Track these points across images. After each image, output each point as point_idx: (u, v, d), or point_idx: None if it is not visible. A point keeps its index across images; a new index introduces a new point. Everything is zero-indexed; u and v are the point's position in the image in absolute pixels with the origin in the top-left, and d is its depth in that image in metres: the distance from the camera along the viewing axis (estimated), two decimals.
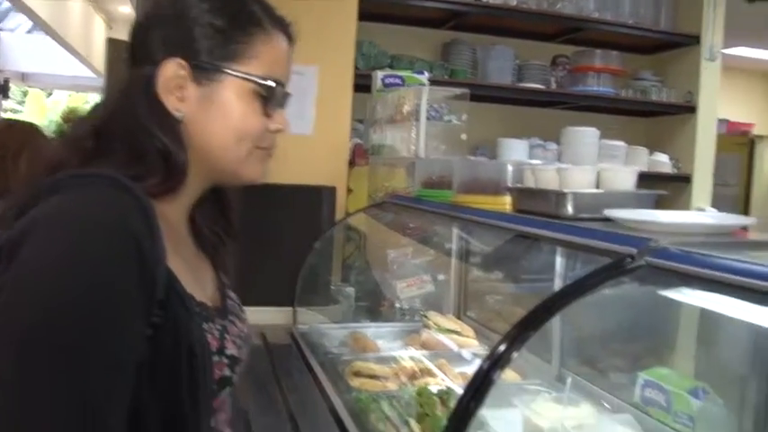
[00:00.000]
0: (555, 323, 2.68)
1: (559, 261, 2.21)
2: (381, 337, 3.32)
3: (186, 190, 1.33)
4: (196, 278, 1.34)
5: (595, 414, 2.25)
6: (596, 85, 5.38)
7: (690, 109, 5.56)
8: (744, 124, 9.12)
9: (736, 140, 8.56)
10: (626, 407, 2.30)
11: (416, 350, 3.06)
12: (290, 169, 4.09)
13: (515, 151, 5.07)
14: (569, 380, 2.43)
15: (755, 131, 9.13)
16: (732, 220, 1.71)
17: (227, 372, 1.29)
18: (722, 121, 7.41)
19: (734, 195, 8.37)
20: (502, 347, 1.47)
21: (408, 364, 2.81)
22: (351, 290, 3.72)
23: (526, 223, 2.08)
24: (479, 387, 1.47)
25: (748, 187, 8.58)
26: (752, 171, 8.68)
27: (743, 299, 1.29)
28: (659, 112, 5.81)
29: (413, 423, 2.23)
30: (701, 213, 2.66)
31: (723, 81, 5.66)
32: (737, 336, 1.81)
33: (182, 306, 1.18)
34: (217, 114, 1.30)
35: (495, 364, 1.47)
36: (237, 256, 1.59)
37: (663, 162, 5.45)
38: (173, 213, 1.33)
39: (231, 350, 1.31)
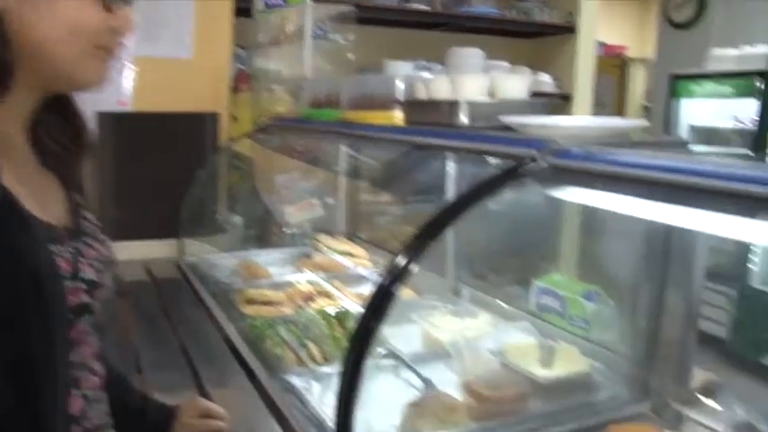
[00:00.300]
0: (450, 236, 2.67)
1: (457, 172, 2.17)
2: (273, 263, 3.25)
3: (17, 97, 1.15)
4: (39, 197, 1.18)
5: (493, 323, 2.26)
6: (481, 6, 5.36)
7: (570, 30, 5.66)
8: (618, 47, 9.39)
9: (611, 62, 8.82)
10: (523, 315, 2.33)
11: (310, 274, 3.00)
12: (169, 96, 3.89)
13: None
14: (466, 292, 2.43)
15: (628, 54, 9.43)
16: (628, 123, 1.71)
17: (84, 298, 1.15)
18: (599, 44, 7.58)
19: (609, 115, 8.66)
20: (402, 259, 1.41)
21: (303, 287, 2.74)
22: (238, 218, 3.60)
23: (421, 133, 2.02)
24: (381, 303, 1.42)
25: (621, 108, 8.90)
26: (625, 92, 9.00)
27: (645, 196, 1.28)
28: (541, 32, 5.89)
29: (311, 346, 2.17)
30: (597, 118, 2.68)
31: (600, 4, 5.77)
32: (633, 237, 1.83)
33: (20, 227, 1.04)
34: (45, 4, 1.12)
35: (396, 277, 1.42)
36: (104, 174, 1.44)
37: (545, 82, 5.54)
38: (2, 124, 1.16)
39: (88, 274, 1.17)
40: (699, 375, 1.89)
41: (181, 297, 2.88)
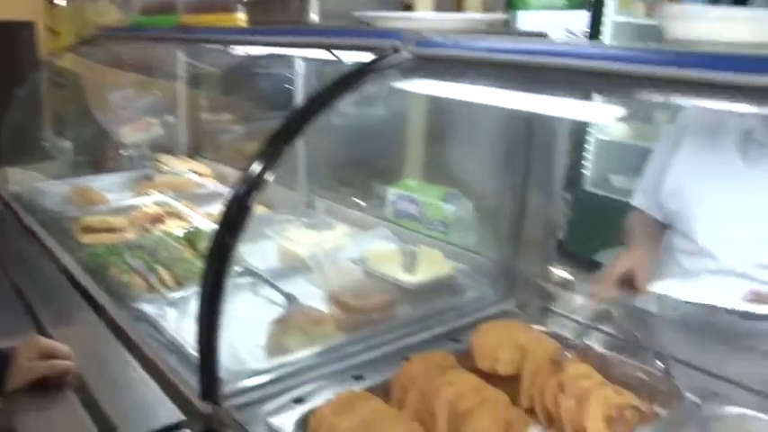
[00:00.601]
0: (302, 146, 2.57)
1: (311, 76, 2.05)
2: (110, 188, 3.00)
3: None
4: None
5: (351, 233, 2.21)
6: None
7: None
8: None
9: None
10: (380, 223, 2.28)
11: (155, 195, 2.80)
12: None
13: None
14: (320, 204, 2.35)
15: None
16: (486, 16, 1.65)
17: None
18: None
19: None
20: (257, 167, 1.30)
21: (148, 210, 2.56)
22: (68, 142, 3.29)
23: (271, 33, 1.87)
24: (236, 217, 1.31)
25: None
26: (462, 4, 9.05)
27: (509, 82, 1.24)
28: None
29: (161, 270, 2.03)
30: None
31: None
32: (494, 135, 1.81)
33: None
34: None
35: (251, 188, 1.31)
36: None
37: None
38: None
39: None
40: (557, 272, 1.93)
41: (7, 230, 2.61)
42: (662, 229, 2.04)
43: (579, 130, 5.35)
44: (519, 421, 1.40)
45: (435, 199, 2.15)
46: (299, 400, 1.39)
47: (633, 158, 2.10)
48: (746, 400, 1.42)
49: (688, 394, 1.42)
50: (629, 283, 1.78)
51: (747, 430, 1.37)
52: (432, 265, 1.90)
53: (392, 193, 2.28)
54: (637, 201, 2.08)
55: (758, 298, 1.64)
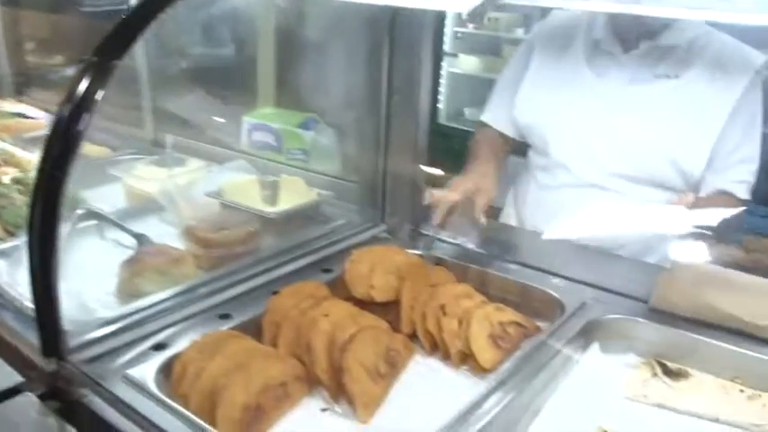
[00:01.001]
0: (144, 82, 2.35)
1: None
2: None
3: None
4: None
5: (206, 167, 2.04)
6: None
7: None
8: None
9: None
10: (236, 155, 2.12)
11: None
12: None
13: None
14: (170, 140, 2.16)
15: None
16: None
17: None
18: None
19: None
20: (84, 83, 1.10)
21: None
22: None
23: None
24: (64, 144, 1.10)
25: None
26: None
27: None
28: None
29: None
30: None
31: None
32: (353, 53, 1.69)
33: None
34: None
35: (79, 108, 1.10)
36: None
37: None
38: None
39: None
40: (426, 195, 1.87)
41: None
42: (509, 145, 2.02)
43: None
44: (402, 348, 1.33)
45: (293, 126, 2.02)
46: (159, 347, 1.25)
47: (485, 91, 2.06)
48: (624, 307, 1.42)
49: (569, 305, 1.40)
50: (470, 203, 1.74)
51: (628, 334, 1.37)
52: (294, 194, 1.78)
53: (247, 122, 2.12)
54: (485, 117, 2.05)
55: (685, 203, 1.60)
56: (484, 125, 2.05)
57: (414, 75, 1.67)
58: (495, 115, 2.01)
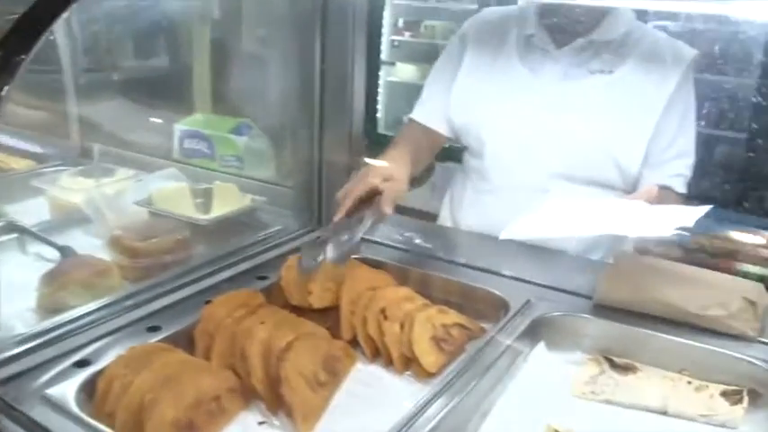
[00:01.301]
0: (71, 90, 2.26)
1: None
2: None
3: None
4: None
5: (135, 177, 1.95)
6: None
7: None
8: None
9: None
10: (169, 164, 2.03)
11: None
12: None
13: None
14: (98, 150, 2.06)
15: None
16: None
17: None
18: None
19: None
20: None
21: None
22: None
23: None
24: None
25: None
26: None
27: None
28: None
29: None
30: None
31: None
32: (284, 56, 1.64)
33: None
34: None
35: None
36: None
37: None
38: None
39: None
40: None
41: None
42: (439, 144, 1.94)
43: (369, 74, 5.31)
44: (342, 355, 1.27)
45: (225, 132, 1.94)
46: (82, 363, 1.16)
47: None
48: (570, 304, 1.39)
49: (513, 304, 1.36)
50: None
51: (574, 330, 1.34)
52: (227, 201, 1.71)
53: (178, 130, 2.04)
54: (416, 114, 1.94)
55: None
56: (413, 122, 1.95)
57: (346, 76, 1.63)
58: (428, 112, 1.92)
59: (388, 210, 1.48)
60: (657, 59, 1.71)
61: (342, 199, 1.50)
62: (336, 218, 1.47)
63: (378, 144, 5.56)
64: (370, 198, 1.50)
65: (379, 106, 5.45)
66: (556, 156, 1.74)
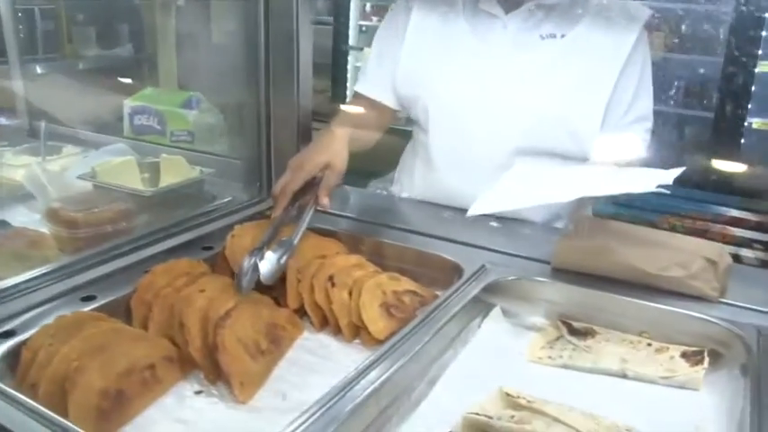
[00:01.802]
0: (16, 70, 2.18)
1: None
2: None
3: None
4: None
5: (82, 153, 1.88)
6: None
7: None
8: None
9: None
10: (118, 141, 1.96)
11: None
12: None
13: None
14: (44, 127, 1.98)
15: None
16: None
17: None
18: None
19: None
20: None
21: None
22: None
23: None
24: None
25: None
26: None
27: None
28: None
29: None
30: None
31: None
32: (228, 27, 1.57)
33: None
34: None
35: None
36: None
37: None
38: None
39: None
40: None
41: None
42: (386, 117, 1.83)
43: (338, 60, 5.26)
44: (287, 324, 1.21)
45: (176, 106, 1.87)
46: (7, 334, 1.09)
47: None
48: (528, 269, 1.34)
49: (468, 269, 1.31)
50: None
51: (531, 295, 1.30)
52: (175, 173, 1.64)
53: (128, 106, 1.96)
54: (360, 87, 1.82)
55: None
56: (358, 96, 1.83)
57: (292, 47, 1.56)
58: (372, 83, 1.81)
59: (325, 201, 1.45)
60: (611, 19, 1.63)
61: (278, 195, 1.46)
62: (275, 214, 1.44)
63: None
64: (308, 187, 1.46)
65: (348, 92, 5.38)
66: (508, 129, 1.64)
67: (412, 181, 1.84)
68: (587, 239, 1.35)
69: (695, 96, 4.14)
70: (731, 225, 3.42)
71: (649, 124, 1.68)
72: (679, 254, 1.29)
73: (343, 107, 1.86)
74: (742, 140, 3.76)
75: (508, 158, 1.62)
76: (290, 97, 1.57)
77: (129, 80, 2.33)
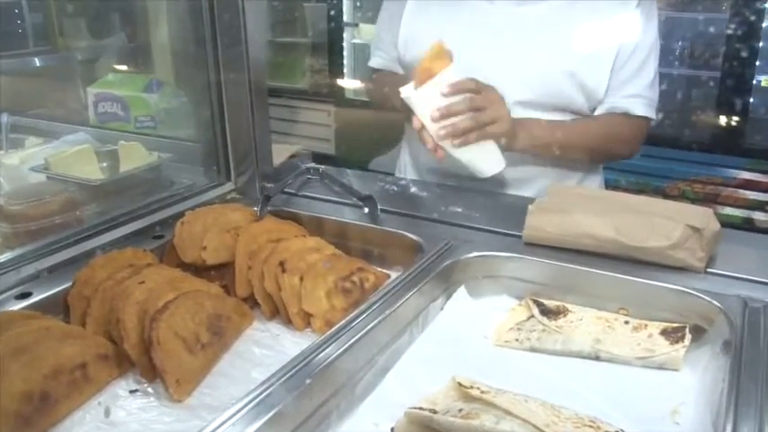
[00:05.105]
0: None
1: None
2: None
3: None
4: None
5: (43, 144, 1.80)
6: None
7: None
8: None
9: None
10: (83, 129, 1.88)
11: None
12: None
13: None
14: (5, 119, 1.91)
15: None
16: None
17: None
18: None
19: None
20: None
21: None
22: None
23: None
24: None
25: None
26: None
27: None
28: None
29: None
30: None
31: None
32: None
33: None
34: None
35: None
36: None
37: None
38: None
39: None
40: (283, 151, 1.67)
41: None
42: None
43: (333, 37, 5.16)
44: (233, 314, 1.13)
45: (137, 91, 1.79)
46: None
47: None
48: (498, 245, 1.25)
49: (428, 248, 1.22)
50: None
51: (499, 273, 1.20)
52: (133, 160, 1.56)
53: (91, 94, 1.88)
54: (374, 62, 1.82)
55: None
56: (377, 72, 1.82)
57: (237, 19, 1.47)
58: (383, 58, 1.79)
59: None
60: None
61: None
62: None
63: (346, 106, 5.51)
64: None
65: (345, 69, 5.27)
66: (517, 85, 1.55)
67: (421, 151, 1.75)
68: (560, 209, 1.25)
69: (701, 56, 3.98)
70: (742, 188, 3.28)
71: (648, 81, 1.60)
72: (661, 221, 1.19)
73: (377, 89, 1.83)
74: (750, 99, 3.61)
75: (515, 113, 1.52)
76: (241, 75, 1.48)
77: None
